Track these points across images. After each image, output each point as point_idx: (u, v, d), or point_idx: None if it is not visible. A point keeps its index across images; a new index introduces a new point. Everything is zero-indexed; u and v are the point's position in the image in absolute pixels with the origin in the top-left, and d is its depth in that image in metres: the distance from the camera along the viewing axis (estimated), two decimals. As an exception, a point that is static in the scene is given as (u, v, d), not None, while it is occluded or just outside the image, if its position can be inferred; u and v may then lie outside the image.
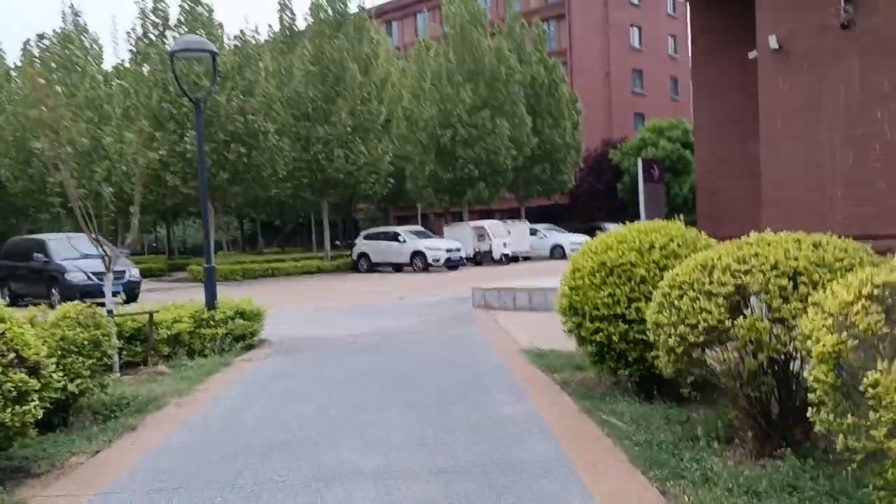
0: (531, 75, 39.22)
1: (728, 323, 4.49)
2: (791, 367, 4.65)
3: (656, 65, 61.10)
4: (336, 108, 30.38)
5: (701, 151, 13.49)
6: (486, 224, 32.84)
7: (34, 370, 4.74)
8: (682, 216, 6.93)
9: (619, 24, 57.73)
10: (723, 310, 4.53)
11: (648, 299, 6.01)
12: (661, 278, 6.05)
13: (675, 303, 4.84)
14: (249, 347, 10.06)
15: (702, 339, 4.63)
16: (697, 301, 4.65)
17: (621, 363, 6.26)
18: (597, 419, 5.69)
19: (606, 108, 56.03)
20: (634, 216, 34.89)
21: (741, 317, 4.47)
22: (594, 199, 49.91)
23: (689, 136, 48.41)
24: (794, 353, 4.51)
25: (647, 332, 5.25)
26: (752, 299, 4.57)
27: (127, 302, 20.48)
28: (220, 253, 45.97)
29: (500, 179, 36.94)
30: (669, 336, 4.79)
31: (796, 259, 4.54)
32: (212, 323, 9.73)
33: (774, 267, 4.52)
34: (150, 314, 9.04)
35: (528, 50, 39.94)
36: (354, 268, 32.12)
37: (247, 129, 27.33)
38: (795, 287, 4.43)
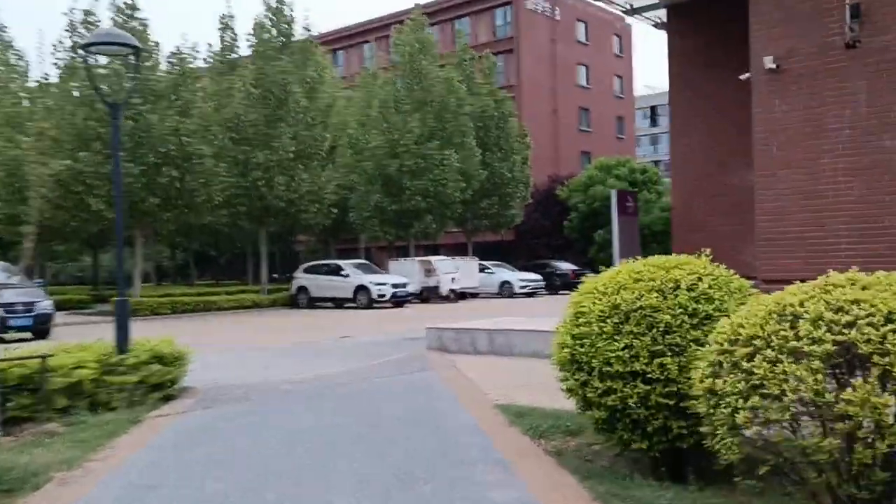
0: (481, 107, 38.39)
1: (830, 396, 3.24)
2: None
3: (602, 103, 61.40)
4: (278, 133, 28.79)
5: (679, 183, 12.48)
6: (434, 259, 31.52)
7: None
8: (714, 253, 5.72)
9: (567, 61, 57.83)
10: (820, 377, 3.28)
11: (676, 353, 4.76)
12: (692, 327, 4.84)
13: (743, 364, 3.56)
14: (168, 398, 8.43)
15: (788, 416, 3.36)
16: (780, 364, 3.39)
17: (637, 433, 4.95)
18: (617, 512, 4.34)
19: (553, 144, 55.74)
20: (580, 254, 33.97)
21: (849, 388, 3.23)
22: (540, 236, 49.19)
23: (636, 174, 48.31)
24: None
25: (697, 401, 3.95)
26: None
27: (37, 337, 18.45)
28: (148, 284, 43.49)
29: (448, 212, 35.78)
30: (736, 410, 3.51)
31: (916, 308, 3.32)
32: (122, 369, 8.09)
33: (889, 319, 3.29)
34: (43, 358, 7.37)
35: (477, 81, 39.18)
36: (293, 303, 30.32)
37: (181, 152, 25.52)
38: (924, 347, 3.20)
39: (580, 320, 5.13)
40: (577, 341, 5.08)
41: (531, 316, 19.92)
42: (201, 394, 8.85)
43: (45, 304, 18.37)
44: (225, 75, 30.11)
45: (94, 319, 25.33)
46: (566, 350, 5.14)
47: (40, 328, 18.22)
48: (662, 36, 13.62)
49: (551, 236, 49.22)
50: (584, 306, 5.17)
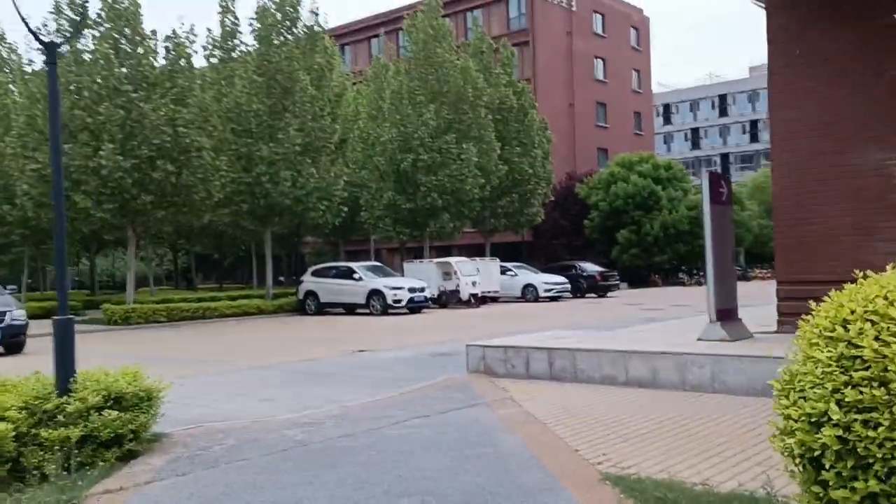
0: (499, 98, 35.99)
1: None
2: None
3: (620, 98, 58.96)
4: (283, 125, 26.39)
5: (781, 164, 10.02)
6: (454, 261, 29.03)
7: None
8: None
9: (583, 54, 55.44)
10: None
11: None
12: None
13: None
14: (130, 455, 6.02)
15: None
16: None
17: None
18: None
19: (570, 140, 53.28)
20: (601, 255, 31.43)
21: None
22: (559, 236, 46.78)
23: (660, 171, 45.86)
24: None
25: None
26: None
27: (8, 352, 16.12)
28: (145, 290, 41.26)
29: (465, 210, 33.37)
30: None
31: None
32: (61, 418, 5.70)
33: None
34: (-65, 409, 4.97)
35: (495, 72, 36.75)
36: (301, 308, 27.92)
37: (176, 144, 23.15)
38: None
39: (856, 374, 2.69)
40: (856, 416, 2.64)
41: (571, 325, 17.49)
42: (178, 446, 6.44)
43: (16, 314, 15.98)
44: (226, 62, 27.73)
45: (80, 329, 23.01)
46: (829, 430, 2.70)
47: (12, 342, 15.92)
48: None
49: (571, 236, 46.83)
50: (861, 347, 2.72)
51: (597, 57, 57.14)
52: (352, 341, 16.66)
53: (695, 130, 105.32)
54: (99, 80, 22.55)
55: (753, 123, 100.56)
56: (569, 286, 31.68)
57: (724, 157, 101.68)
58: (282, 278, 47.90)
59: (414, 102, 32.18)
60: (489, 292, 29.53)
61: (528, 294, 31.10)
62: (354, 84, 38.84)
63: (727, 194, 9.59)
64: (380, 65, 35.71)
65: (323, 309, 27.34)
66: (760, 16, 10.23)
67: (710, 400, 7.71)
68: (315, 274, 28.25)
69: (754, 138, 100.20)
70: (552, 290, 30.97)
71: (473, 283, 28.08)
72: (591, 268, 34.40)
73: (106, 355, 15.23)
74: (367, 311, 25.88)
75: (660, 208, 43.83)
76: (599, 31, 57.47)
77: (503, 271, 31.40)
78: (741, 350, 8.36)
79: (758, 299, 15.90)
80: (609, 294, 33.97)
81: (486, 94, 34.28)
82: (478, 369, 10.08)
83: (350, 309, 26.94)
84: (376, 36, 57.64)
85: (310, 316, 26.80)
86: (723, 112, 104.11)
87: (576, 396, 8.19)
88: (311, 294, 27.58)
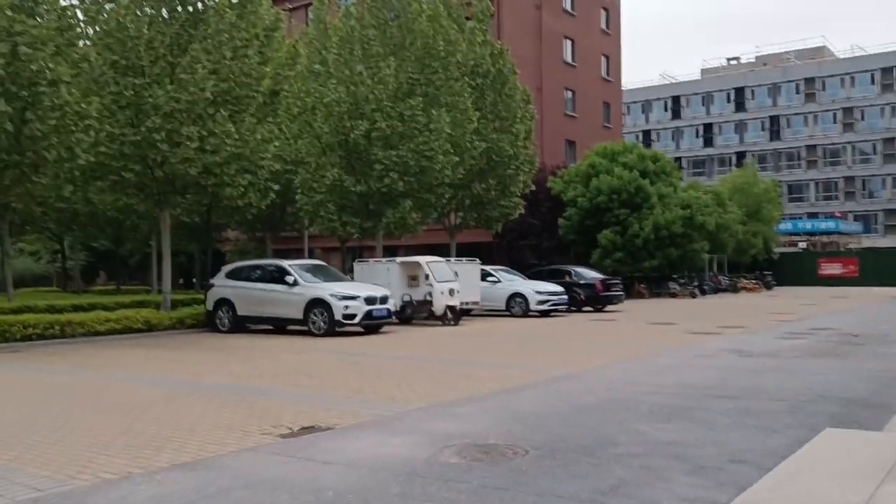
0: (473, 60, 28.74)
1: None
2: None
3: (589, 85, 52.63)
4: (189, 61, 18.40)
5: None
6: (424, 261, 21.53)
7: None
8: None
9: (552, 33, 48.84)
10: None
11: None
12: None
13: None
14: None
15: None
16: None
17: None
18: None
19: (537, 128, 46.34)
20: (579, 258, 23.33)
21: None
22: (526, 235, 39.76)
23: (647, 162, 39.34)
24: None
25: None
26: None
27: None
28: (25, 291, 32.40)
29: (433, 197, 25.93)
30: None
31: None
32: None
33: None
34: None
35: (467, 27, 29.49)
36: (210, 323, 19.99)
37: (16, 73, 15.06)
38: None
39: None
40: None
41: (643, 356, 10.35)
42: None
43: None
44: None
45: None
46: None
47: None
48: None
49: (541, 237, 39.93)
50: None
51: (566, 37, 50.64)
52: (285, 397, 9.09)
53: (647, 133, 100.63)
54: None
55: (707, 127, 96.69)
56: (566, 297, 24.60)
57: (678, 160, 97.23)
58: (194, 280, 39.43)
59: (368, 55, 24.66)
60: (468, 303, 22.21)
61: (516, 307, 23.87)
62: (296, 42, 30.95)
63: None
64: (323, 5, 27.93)
65: (241, 325, 19.50)
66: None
67: None
68: (231, 275, 20.32)
69: (708, 143, 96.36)
70: (547, 301, 23.82)
71: (451, 292, 20.64)
72: (590, 274, 27.38)
73: None
74: (305, 328, 18.18)
75: (650, 206, 37.29)
76: (569, 7, 51.00)
77: (483, 277, 24.11)
78: None
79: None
80: (609, 307, 27.05)
81: (459, 52, 26.99)
82: None
83: (280, 325, 19.21)
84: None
85: (220, 335, 18.90)
86: (675, 115, 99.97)
87: None
88: (224, 303, 19.64)
